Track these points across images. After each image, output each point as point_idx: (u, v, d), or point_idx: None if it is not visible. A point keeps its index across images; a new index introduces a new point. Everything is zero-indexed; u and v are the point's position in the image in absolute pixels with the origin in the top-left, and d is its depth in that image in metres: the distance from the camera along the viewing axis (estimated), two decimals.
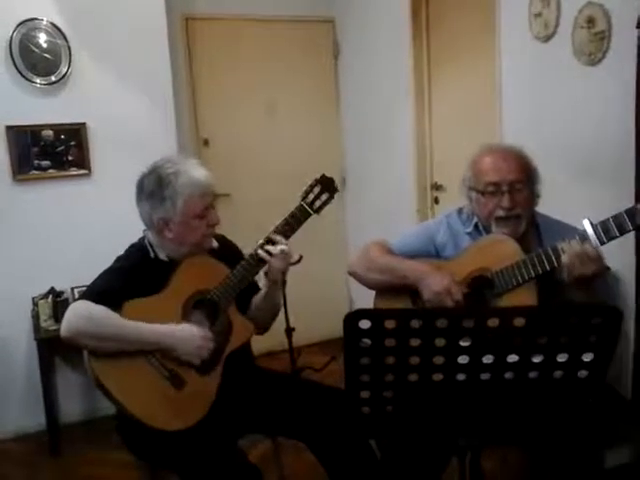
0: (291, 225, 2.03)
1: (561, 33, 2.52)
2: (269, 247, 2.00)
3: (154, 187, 1.96)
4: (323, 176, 2.09)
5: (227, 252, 2.15)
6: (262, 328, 2.21)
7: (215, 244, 2.13)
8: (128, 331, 1.85)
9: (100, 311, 1.85)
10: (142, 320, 1.88)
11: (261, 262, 2.02)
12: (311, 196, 2.06)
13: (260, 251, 2.00)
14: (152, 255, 2.04)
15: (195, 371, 1.93)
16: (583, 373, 1.34)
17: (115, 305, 1.87)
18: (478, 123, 3.18)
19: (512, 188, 1.93)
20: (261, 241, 2.02)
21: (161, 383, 1.89)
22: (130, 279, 1.95)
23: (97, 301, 1.87)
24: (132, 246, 2.09)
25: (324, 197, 2.07)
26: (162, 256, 2.05)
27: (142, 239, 2.08)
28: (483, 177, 1.96)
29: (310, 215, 2.05)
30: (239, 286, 2.01)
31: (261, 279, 2.12)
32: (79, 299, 1.94)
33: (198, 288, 1.99)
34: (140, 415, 1.84)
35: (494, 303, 1.89)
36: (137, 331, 1.86)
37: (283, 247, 2.00)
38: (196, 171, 1.99)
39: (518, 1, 2.71)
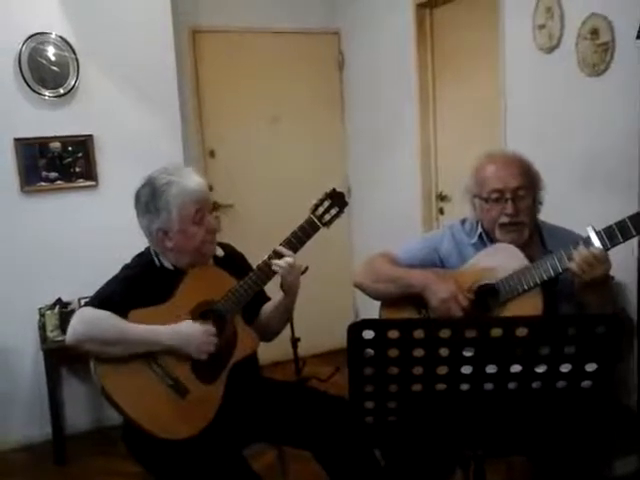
0: (300, 238, 2.04)
1: (565, 44, 2.53)
2: (276, 260, 2.01)
3: (149, 199, 1.98)
4: (333, 190, 2.10)
5: (233, 262, 2.16)
6: (270, 336, 2.22)
7: (220, 252, 2.15)
8: (131, 334, 1.87)
9: (104, 315, 1.88)
10: None
11: (268, 274, 2.02)
12: (321, 209, 2.07)
13: (274, 265, 2.01)
14: (157, 264, 2.06)
15: (199, 380, 1.94)
16: (587, 383, 1.34)
17: (120, 313, 1.89)
18: (483, 133, 3.19)
19: (515, 195, 1.94)
20: (271, 254, 2.02)
21: (165, 392, 1.90)
22: (135, 287, 1.97)
23: (101, 308, 1.89)
24: (138, 255, 2.11)
25: (334, 211, 2.08)
26: (167, 264, 2.06)
27: (148, 248, 2.10)
28: (486, 184, 1.98)
29: (319, 228, 2.06)
30: (246, 297, 2.01)
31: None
32: (84, 306, 1.96)
33: (204, 298, 2.00)
34: (145, 423, 1.85)
35: (499, 311, 1.90)
36: (140, 332, 1.88)
37: (289, 259, 2.01)
38: (189, 180, 2.00)
39: (522, 13, 2.73)
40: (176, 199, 1.96)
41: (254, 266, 2.06)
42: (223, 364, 1.98)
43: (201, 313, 2.00)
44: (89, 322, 1.88)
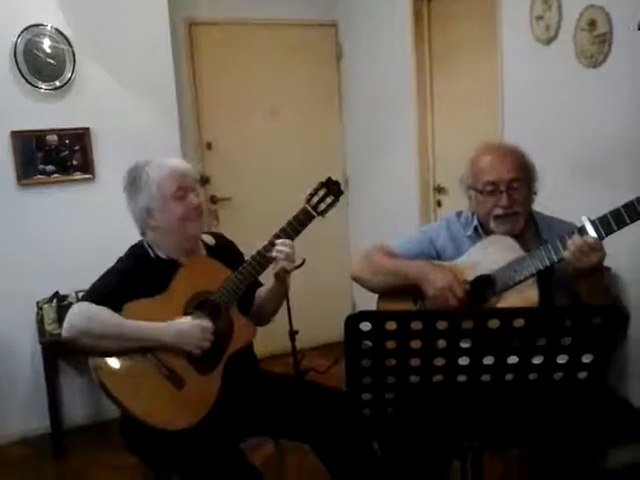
0: (295, 227, 2.04)
1: (563, 36, 2.52)
2: (279, 247, 2.01)
3: (132, 181, 2.03)
4: (328, 179, 2.10)
5: (224, 250, 2.18)
6: (264, 320, 2.24)
7: (211, 241, 2.17)
8: (127, 329, 1.88)
9: (100, 310, 1.88)
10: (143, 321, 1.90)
11: (263, 264, 2.03)
12: (315, 199, 2.07)
13: (275, 251, 2.01)
14: (152, 255, 2.07)
15: (195, 371, 1.95)
16: (583, 374, 1.35)
17: (116, 306, 1.89)
18: (480, 126, 3.18)
19: (510, 187, 1.94)
20: (265, 243, 2.03)
21: (161, 383, 1.90)
22: (131, 280, 1.97)
23: (98, 302, 1.90)
24: (133, 247, 2.12)
25: (329, 200, 2.08)
26: (161, 254, 2.07)
27: (141, 240, 2.11)
28: (481, 176, 1.98)
29: (314, 217, 2.06)
30: (241, 287, 2.02)
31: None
32: (80, 300, 1.97)
33: (199, 290, 2.01)
34: (141, 415, 1.86)
35: (496, 301, 1.90)
36: (136, 328, 1.88)
37: (285, 249, 2.01)
38: (167, 160, 2.06)
39: (520, 4, 2.72)
40: (155, 175, 2.00)
41: (247, 256, 2.06)
42: (220, 355, 1.98)
43: (197, 304, 2.00)
44: (85, 317, 1.88)
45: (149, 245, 2.08)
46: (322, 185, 2.09)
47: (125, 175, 2.07)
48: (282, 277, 2.08)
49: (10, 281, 3.38)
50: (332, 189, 2.09)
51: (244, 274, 2.02)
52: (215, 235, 2.21)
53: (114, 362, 1.88)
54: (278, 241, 2.02)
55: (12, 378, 3.44)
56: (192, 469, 1.88)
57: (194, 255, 2.10)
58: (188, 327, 1.92)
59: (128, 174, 2.06)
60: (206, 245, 2.17)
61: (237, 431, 2.06)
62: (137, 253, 2.08)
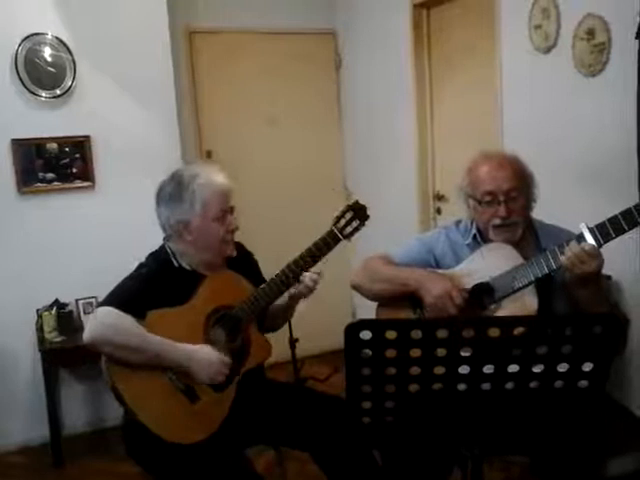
0: (321, 249, 2.04)
1: (561, 45, 2.54)
2: (313, 275, 2.03)
3: (174, 190, 1.99)
4: (356, 202, 2.10)
5: (243, 261, 2.17)
6: (272, 331, 2.24)
7: (234, 252, 2.15)
8: (150, 346, 1.85)
9: (125, 321, 1.85)
10: (164, 331, 1.88)
11: (287, 285, 2.02)
12: (342, 222, 2.06)
13: (307, 276, 2.03)
14: (176, 264, 2.04)
15: (210, 387, 1.93)
16: (583, 383, 1.35)
17: (139, 313, 1.87)
18: (480, 134, 3.19)
19: (508, 197, 1.94)
20: (291, 263, 2.02)
21: (175, 395, 1.89)
22: (154, 286, 1.95)
23: (123, 308, 1.86)
24: (153, 254, 2.08)
25: (355, 224, 2.07)
26: (185, 265, 2.05)
27: (162, 247, 2.08)
28: (479, 186, 1.98)
29: (340, 241, 2.06)
30: (262, 305, 2.02)
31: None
32: (103, 304, 1.91)
33: (221, 303, 2.00)
34: (150, 424, 1.84)
35: (495, 309, 1.91)
36: (158, 348, 1.86)
37: (313, 285, 2.04)
38: (215, 175, 2.03)
39: (518, 13, 2.74)
40: (202, 190, 1.97)
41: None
42: (235, 372, 1.98)
43: (217, 318, 2.00)
44: (109, 325, 1.85)
45: (172, 253, 2.05)
46: (349, 208, 2.08)
47: (166, 181, 2.02)
48: (297, 300, 2.10)
49: (10, 289, 3.38)
50: (359, 213, 2.08)
51: (266, 292, 2.01)
52: (236, 245, 2.18)
53: (130, 370, 1.85)
54: (312, 273, 2.03)
55: (11, 386, 3.43)
56: (197, 479, 1.87)
57: (217, 268, 2.08)
58: (207, 362, 1.90)
59: (170, 182, 2.00)
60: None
61: (241, 441, 2.05)
62: (160, 259, 2.04)
